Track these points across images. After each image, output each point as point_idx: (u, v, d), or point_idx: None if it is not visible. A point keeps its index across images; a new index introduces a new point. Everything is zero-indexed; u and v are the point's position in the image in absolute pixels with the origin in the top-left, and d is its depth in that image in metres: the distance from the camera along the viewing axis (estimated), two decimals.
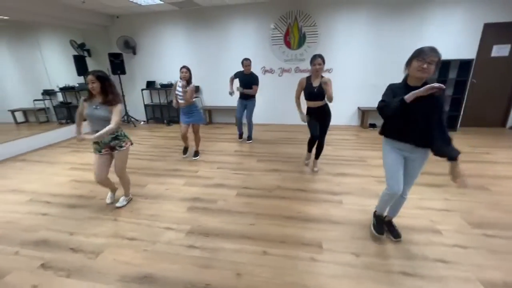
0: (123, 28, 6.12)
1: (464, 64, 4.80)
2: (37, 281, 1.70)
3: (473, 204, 2.44)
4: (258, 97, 4.53)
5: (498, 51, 4.80)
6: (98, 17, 5.84)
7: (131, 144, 2.50)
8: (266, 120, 6.07)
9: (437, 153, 1.61)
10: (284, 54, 5.59)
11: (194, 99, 3.66)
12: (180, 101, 3.60)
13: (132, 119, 6.46)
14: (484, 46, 4.79)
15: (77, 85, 6.26)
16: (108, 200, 2.67)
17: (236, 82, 4.45)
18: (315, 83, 2.91)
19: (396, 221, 2.16)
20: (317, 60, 2.80)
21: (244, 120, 4.64)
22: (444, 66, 4.85)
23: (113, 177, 2.56)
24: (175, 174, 3.38)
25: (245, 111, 4.53)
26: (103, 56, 6.17)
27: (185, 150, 4.03)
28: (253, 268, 1.76)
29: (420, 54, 1.52)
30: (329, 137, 4.87)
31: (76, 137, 2.30)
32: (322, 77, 2.87)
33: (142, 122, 6.62)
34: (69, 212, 2.55)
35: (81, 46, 6.16)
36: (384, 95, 1.74)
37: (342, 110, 5.65)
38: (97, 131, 2.22)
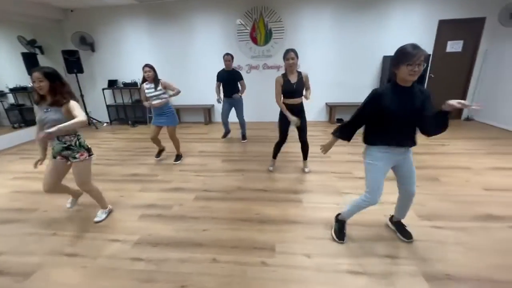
0: (78, 23, 5.69)
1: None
2: None
3: (424, 196, 2.51)
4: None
5: (452, 46, 5.04)
6: (49, 11, 5.37)
7: (89, 155, 2.15)
8: (234, 119, 5.93)
9: (431, 135, 1.60)
10: (251, 50, 5.49)
11: (167, 97, 3.39)
12: (154, 102, 3.29)
13: (94, 121, 6.06)
14: (440, 41, 5.01)
15: (30, 85, 5.75)
16: (68, 205, 2.47)
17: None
18: (293, 79, 2.79)
19: (358, 218, 2.17)
20: (290, 54, 2.67)
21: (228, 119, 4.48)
22: None
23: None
24: (132, 179, 3.18)
25: (235, 111, 4.35)
26: (58, 53, 5.69)
27: (159, 153, 3.75)
28: (200, 279, 1.66)
29: (408, 59, 1.43)
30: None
31: (37, 139, 1.95)
32: (299, 72, 2.82)
33: (105, 124, 6.24)
34: (4, 228, 2.29)
35: (32, 43, 5.64)
36: (358, 111, 1.72)
37: (310, 106, 5.65)
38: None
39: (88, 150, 2.15)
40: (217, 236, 2.07)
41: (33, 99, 1.96)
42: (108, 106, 6.09)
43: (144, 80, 3.30)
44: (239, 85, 4.22)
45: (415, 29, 4.98)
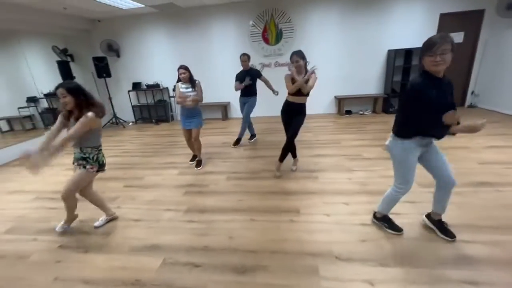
0: (105, 32, 6.26)
1: None
2: (59, 258, 2.00)
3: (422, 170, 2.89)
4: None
5: (454, 38, 5.33)
6: (79, 22, 5.95)
7: (98, 171, 2.16)
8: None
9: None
10: (264, 49, 5.93)
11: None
12: (187, 102, 3.29)
13: (121, 121, 6.63)
14: None
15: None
16: (96, 223, 2.35)
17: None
18: (298, 78, 2.83)
19: (367, 188, 2.61)
20: (293, 57, 2.80)
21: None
22: (408, 54, 5.36)
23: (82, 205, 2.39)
24: (169, 166, 3.68)
25: (246, 107, 4.24)
26: (87, 60, 6.28)
27: (193, 158, 3.73)
28: (243, 232, 2.13)
29: (429, 49, 1.45)
30: (309, 124, 5.29)
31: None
32: (306, 71, 2.85)
33: (130, 123, 6.81)
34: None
35: (64, 52, 6.24)
36: (404, 107, 1.67)
37: (320, 100, 6.08)
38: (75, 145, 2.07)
39: (100, 166, 2.17)
40: (251, 204, 2.54)
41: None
42: (133, 107, 6.66)
43: (179, 80, 3.38)
44: (261, 82, 4.16)
45: (417, 23, 5.31)
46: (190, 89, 3.33)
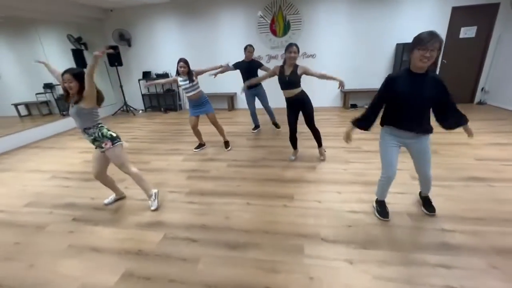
0: (117, 21, 6.42)
1: None
2: (72, 229, 2.22)
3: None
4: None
5: (466, 32, 5.22)
6: (93, 11, 6.13)
7: (114, 143, 2.22)
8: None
9: (450, 128, 1.76)
10: (271, 41, 5.97)
11: (200, 90, 3.54)
12: (189, 94, 3.48)
13: (131, 109, 6.87)
14: (453, 28, 5.21)
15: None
16: (105, 200, 2.58)
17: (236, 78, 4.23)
18: (287, 72, 2.92)
19: (361, 179, 2.72)
20: (292, 48, 2.81)
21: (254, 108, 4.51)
22: None
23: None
24: (175, 152, 3.87)
25: (260, 100, 4.38)
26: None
27: (199, 146, 3.91)
28: (239, 214, 2.28)
29: (421, 43, 1.48)
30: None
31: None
32: (295, 65, 2.93)
33: (140, 111, 7.03)
34: (88, 184, 3.03)
35: (78, 40, 6.45)
36: (374, 97, 1.87)
37: (326, 93, 6.10)
38: (79, 128, 2.19)
39: (112, 139, 2.22)
40: (248, 189, 2.68)
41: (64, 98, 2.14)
42: (143, 95, 6.86)
43: (178, 73, 3.44)
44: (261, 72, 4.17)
45: (428, 17, 5.21)
46: (187, 81, 3.41)
